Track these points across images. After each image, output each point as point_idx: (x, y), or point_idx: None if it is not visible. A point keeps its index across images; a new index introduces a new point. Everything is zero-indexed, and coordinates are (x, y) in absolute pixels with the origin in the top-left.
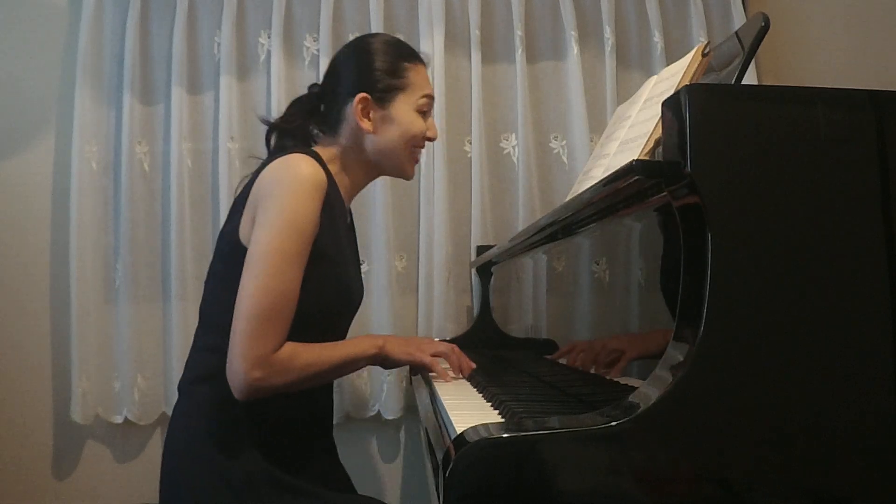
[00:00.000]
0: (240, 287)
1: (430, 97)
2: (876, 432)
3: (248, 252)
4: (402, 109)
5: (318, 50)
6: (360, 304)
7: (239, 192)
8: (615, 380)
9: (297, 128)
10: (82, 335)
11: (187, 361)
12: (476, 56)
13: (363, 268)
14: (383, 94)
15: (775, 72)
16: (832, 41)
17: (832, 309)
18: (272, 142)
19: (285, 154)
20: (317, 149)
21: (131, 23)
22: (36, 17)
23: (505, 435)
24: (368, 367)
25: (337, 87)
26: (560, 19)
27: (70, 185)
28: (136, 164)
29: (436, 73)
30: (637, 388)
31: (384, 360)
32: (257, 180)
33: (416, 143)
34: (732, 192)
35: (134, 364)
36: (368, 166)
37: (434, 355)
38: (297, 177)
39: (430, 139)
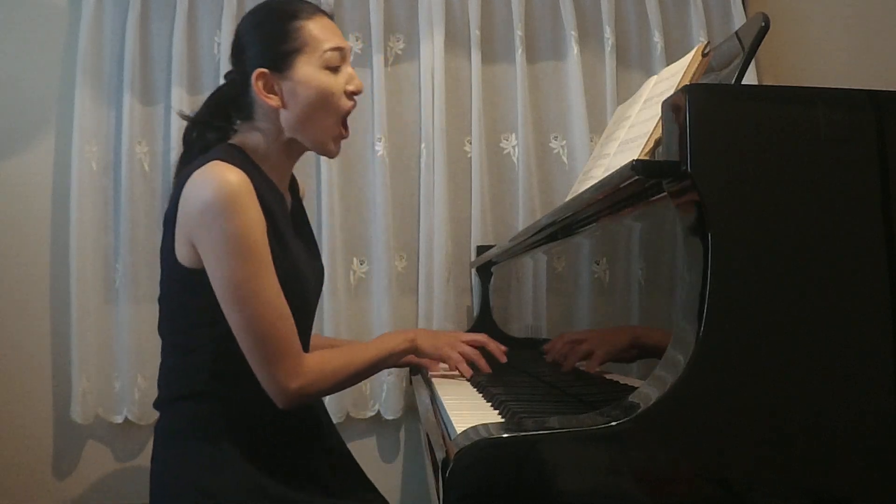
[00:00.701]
0: (230, 323)
1: (338, 49)
2: (876, 432)
3: (216, 289)
4: (306, 71)
5: None
6: (320, 287)
7: (172, 191)
8: (615, 380)
9: (216, 119)
10: (82, 335)
11: (158, 380)
12: (476, 56)
13: (363, 267)
14: (280, 62)
15: (775, 72)
16: (832, 41)
17: (832, 309)
18: (193, 138)
19: (205, 158)
20: (237, 139)
21: (131, 23)
22: (36, 17)
23: (505, 435)
24: None
25: (241, 68)
26: (560, 19)
27: (70, 185)
28: (136, 164)
29: (436, 73)
30: (637, 388)
31: (415, 353)
32: (182, 197)
33: (335, 103)
34: (732, 192)
35: (134, 364)
36: (290, 145)
37: (462, 353)
38: (224, 193)
39: (354, 93)
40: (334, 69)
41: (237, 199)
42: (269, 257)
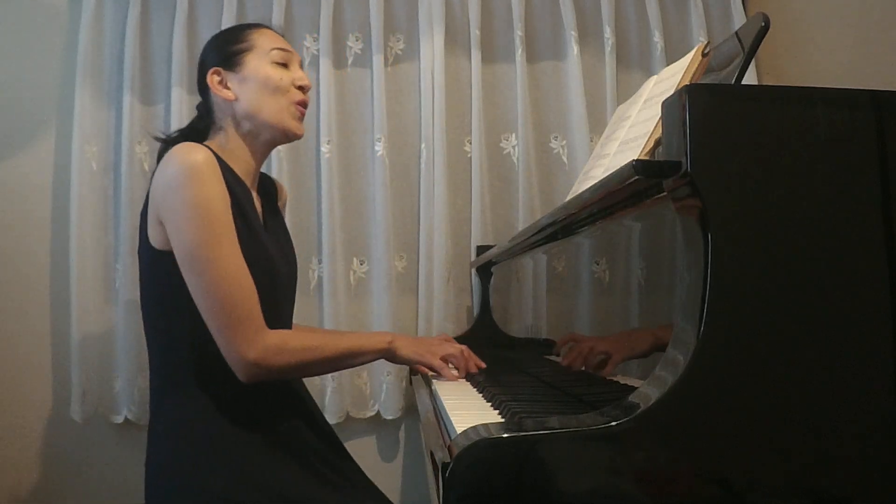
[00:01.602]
0: (191, 292)
1: (284, 50)
2: (876, 432)
3: (178, 257)
4: (254, 65)
5: (318, 50)
6: (293, 279)
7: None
8: (615, 380)
9: (188, 132)
10: (82, 335)
11: (150, 382)
12: (476, 56)
13: (363, 267)
14: (231, 60)
15: (775, 72)
16: (832, 41)
17: (832, 309)
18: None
19: None
20: (207, 143)
21: (131, 23)
22: (36, 18)
23: (505, 435)
24: (368, 366)
25: (202, 79)
26: (560, 19)
27: (70, 186)
28: (136, 164)
29: (436, 72)
30: (637, 388)
31: (392, 357)
32: (152, 185)
33: (283, 90)
34: (732, 192)
35: (134, 364)
36: (252, 139)
37: (444, 357)
38: (187, 166)
39: (302, 88)
40: (282, 65)
41: (199, 170)
42: (232, 228)
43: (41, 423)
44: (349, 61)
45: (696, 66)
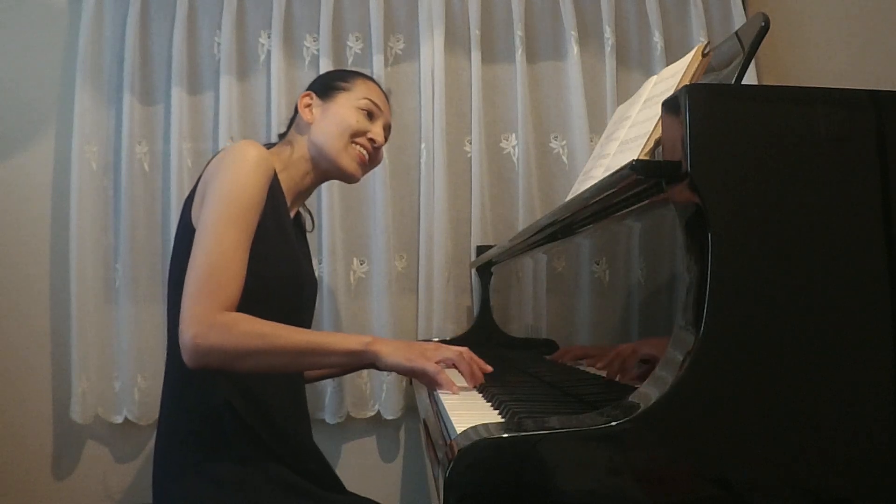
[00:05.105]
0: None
1: (375, 103)
2: (876, 432)
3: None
4: (342, 104)
5: (318, 50)
6: (314, 292)
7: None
8: (615, 380)
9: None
10: (82, 335)
11: (166, 372)
12: (476, 56)
13: (363, 267)
14: (326, 91)
15: (775, 72)
16: (832, 41)
17: (832, 309)
18: None
19: None
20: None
21: (131, 23)
22: (36, 18)
23: (505, 435)
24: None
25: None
26: (560, 19)
27: (70, 186)
28: (136, 164)
29: (436, 73)
30: (637, 388)
31: (374, 363)
32: (206, 168)
33: (354, 135)
34: (732, 192)
35: (134, 364)
36: (310, 164)
37: (440, 362)
38: (240, 154)
39: (373, 140)
40: (368, 115)
41: (249, 161)
42: (252, 221)
43: (41, 424)
44: (349, 61)
45: (697, 66)
